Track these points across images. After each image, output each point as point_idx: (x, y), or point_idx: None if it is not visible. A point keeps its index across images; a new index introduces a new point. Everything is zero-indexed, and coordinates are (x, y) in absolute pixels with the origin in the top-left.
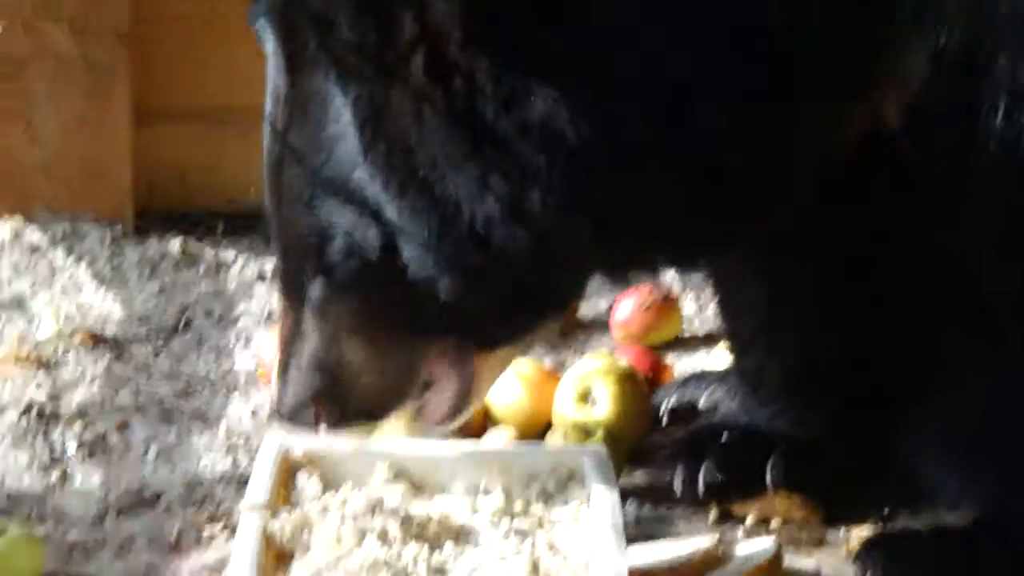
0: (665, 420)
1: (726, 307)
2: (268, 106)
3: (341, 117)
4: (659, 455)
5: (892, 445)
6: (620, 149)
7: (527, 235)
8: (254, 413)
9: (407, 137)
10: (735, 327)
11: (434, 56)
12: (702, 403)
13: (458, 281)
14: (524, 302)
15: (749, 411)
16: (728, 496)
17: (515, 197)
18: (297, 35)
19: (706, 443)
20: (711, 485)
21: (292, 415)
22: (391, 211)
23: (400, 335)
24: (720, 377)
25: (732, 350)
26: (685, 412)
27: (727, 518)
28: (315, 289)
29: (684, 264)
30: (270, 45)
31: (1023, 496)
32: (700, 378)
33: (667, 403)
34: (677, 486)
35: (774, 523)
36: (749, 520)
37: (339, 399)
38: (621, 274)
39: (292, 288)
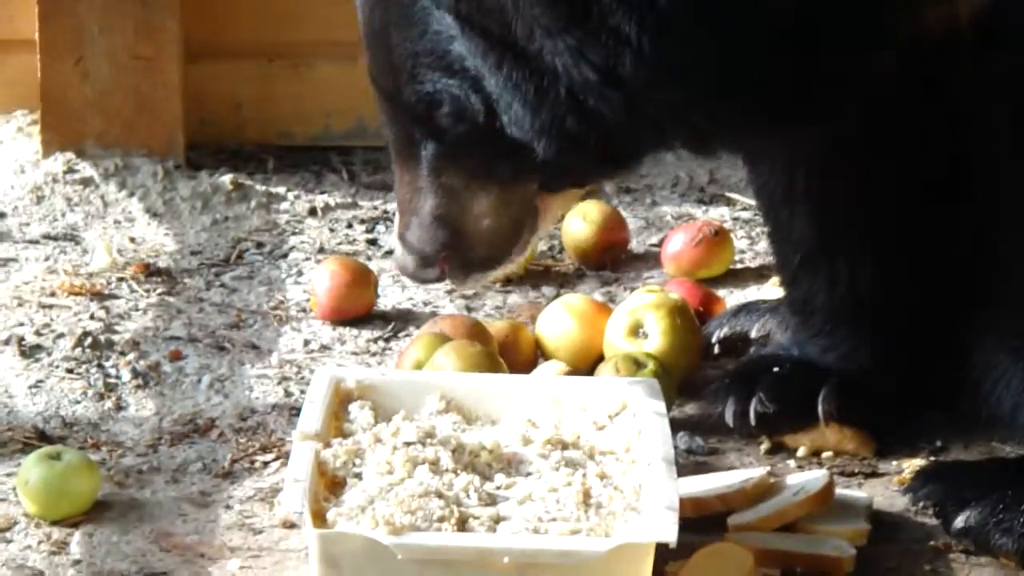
0: (716, 350)
1: (776, 235)
2: None
3: None
4: (710, 388)
5: (949, 373)
6: (708, 11)
7: (619, 98)
8: (306, 343)
9: (504, 11)
10: (785, 256)
11: None
12: (753, 333)
13: (555, 142)
14: (608, 158)
15: (799, 342)
16: (779, 428)
17: (609, 64)
18: None
19: (757, 375)
20: (762, 416)
21: (417, 271)
22: (491, 83)
23: (505, 184)
24: (771, 308)
25: (781, 280)
26: (737, 343)
27: (778, 450)
28: (427, 152)
29: (760, 141)
30: None
31: None
32: (751, 309)
33: (719, 333)
34: (729, 418)
35: (825, 455)
36: (800, 452)
37: (461, 249)
38: (701, 143)
39: (404, 152)
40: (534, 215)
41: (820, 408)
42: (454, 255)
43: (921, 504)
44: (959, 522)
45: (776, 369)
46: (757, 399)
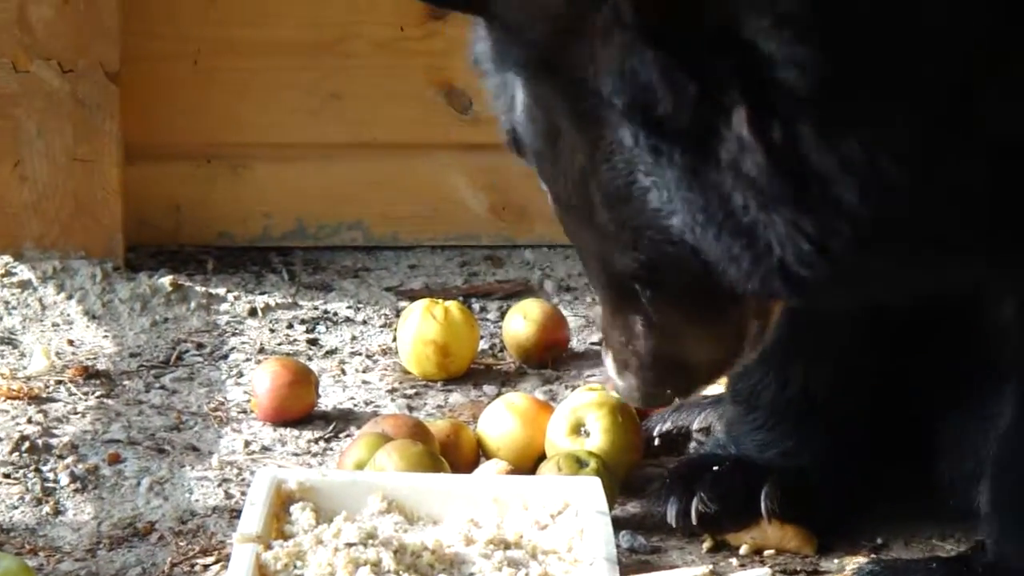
0: (657, 444)
1: None
2: (533, 142)
3: (652, 170)
4: (652, 487)
5: (889, 473)
6: (934, 184)
7: (829, 270)
8: (246, 445)
9: (723, 186)
10: None
11: (758, 110)
12: (695, 426)
13: (764, 299)
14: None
15: (739, 437)
16: (722, 527)
17: (823, 236)
18: (582, 93)
19: (698, 474)
20: (704, 516)
21: (646, 402)
22: (710, 254)
23: (722, 313)
24: (712, 402)
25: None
26: (678, 438)
27: (721, 548)
28: (644, 298)
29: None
30: (522, 92)
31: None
32: (692, 404)
33: (660, 428)
34: (671, 517)
35: (767, 552)
36: (743, 550)
37: (684, 375)
38: (902, 297)
39: (617, 300)
40: (758, 328)
41: (763, 506)
42: (679, 382)
43: None
44: None
45: (716, 467)
46: (698, 498)
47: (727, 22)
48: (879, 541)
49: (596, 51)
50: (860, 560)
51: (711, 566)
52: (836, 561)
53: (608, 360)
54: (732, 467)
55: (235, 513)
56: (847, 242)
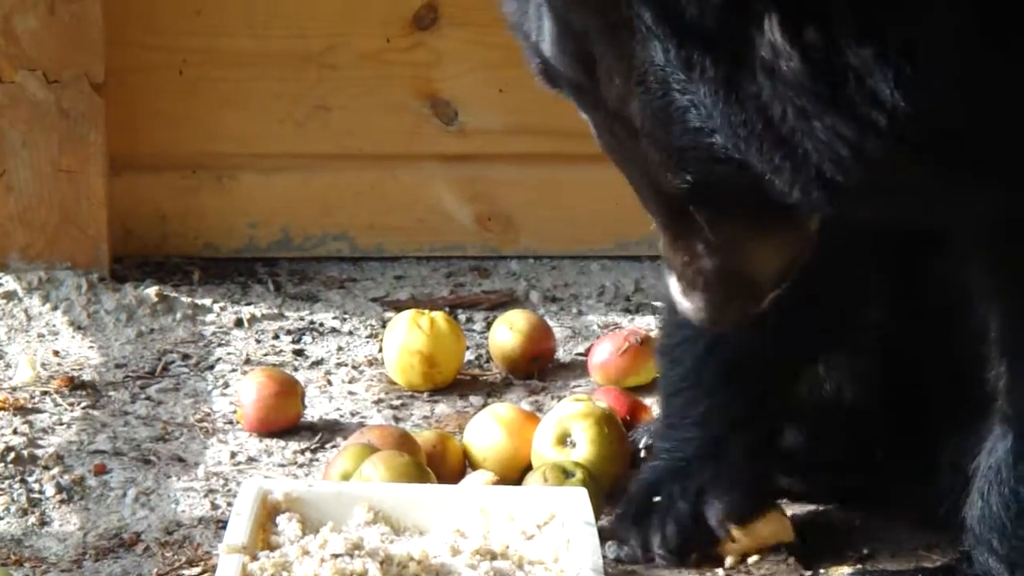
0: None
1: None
2: (568, 72)
3: (687, 87)
4: (615, 526)
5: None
6: (965, 88)
7: (864, 173)
8: (232, 455)
9: (760, 95)
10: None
11: (789, 11)
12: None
13: (809, 208)
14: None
15: (676, 452)
16: (695, 549)
17: (860, 138)
18: (613, 11)
19: (647, 511)
20: (671, 552)
21: (718, 322)
22: (756, 166)
23: (777, 221)
24: None
25: (665, 392)
26: None
27: (707, 558)
28: (701, 217)
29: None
30: (550, 21)
31: (1005, 543)
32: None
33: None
34: (638, 557)
35: (752, 560)
36: (728, 561)
37: (751, 288)
38: (925, 216)
39: (674, 224)
40: (813, 233)
41: (713, 526)
42: (746, 295)
43: None
44: None
45: (657, 499)
46: (657, 539)
47: None
48: (865, 552)
49: None
50: (845, 570)
51: None
52: (822, 571)
53: (672, 283)
54: (678, 493)
55: (221, 524)
56: (882, 141)
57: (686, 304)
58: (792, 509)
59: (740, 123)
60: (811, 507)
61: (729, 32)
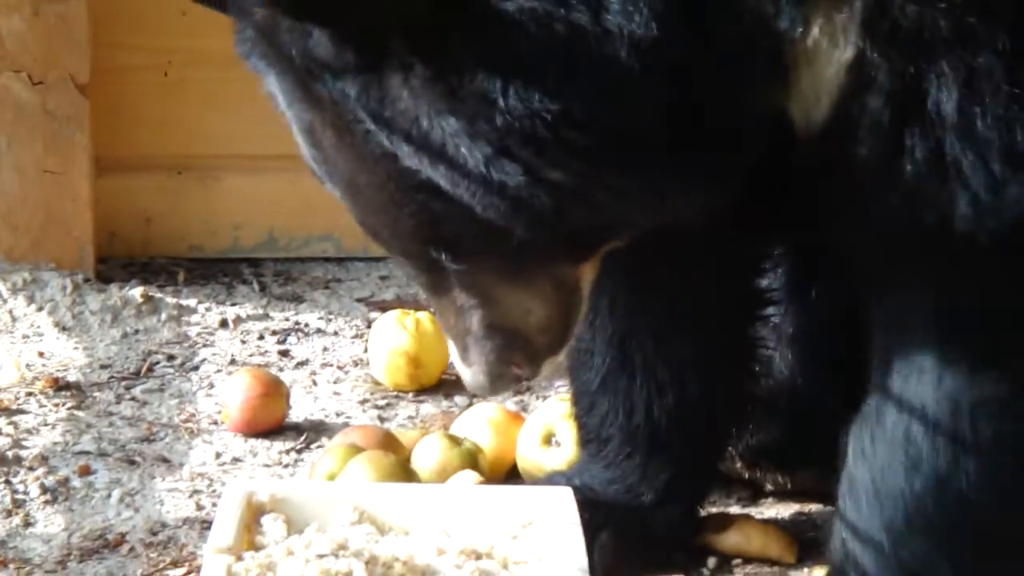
0: None
1: (575, 359)
2: (302, 144)
3: (362, 120)
4: None
5: None
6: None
7: (517, 170)
8: (218, 456)
9: (409, 111)
10: (581, 382)
11: (410, 34)
12: None
13: (531, 228)
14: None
15: (586, 476)
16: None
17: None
18: (285, 62)
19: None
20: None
21: (492, 385)
22: (461, 197)
23: (536, 270)
24: None
25: (576, 409)
26: None
27: (692, 558)
28: (452, 269)
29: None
30: (271, 80)
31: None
32: None
33: None
34: None
35: (736, 562)
36: (711, 562)
37: (525, 348)
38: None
39: (432, 281)
40: (576, 287)
41: (595, 560)
42: (520, 355)
43: None
44: None
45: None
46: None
47: None
48: None
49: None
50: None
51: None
52: (805, 570)
53: (452, 351)
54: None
55: (206, 524)
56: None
57: (462, 369)
58: (776, 508)
59: (435, 154)
60: (795, 506)
61: (367, 60)
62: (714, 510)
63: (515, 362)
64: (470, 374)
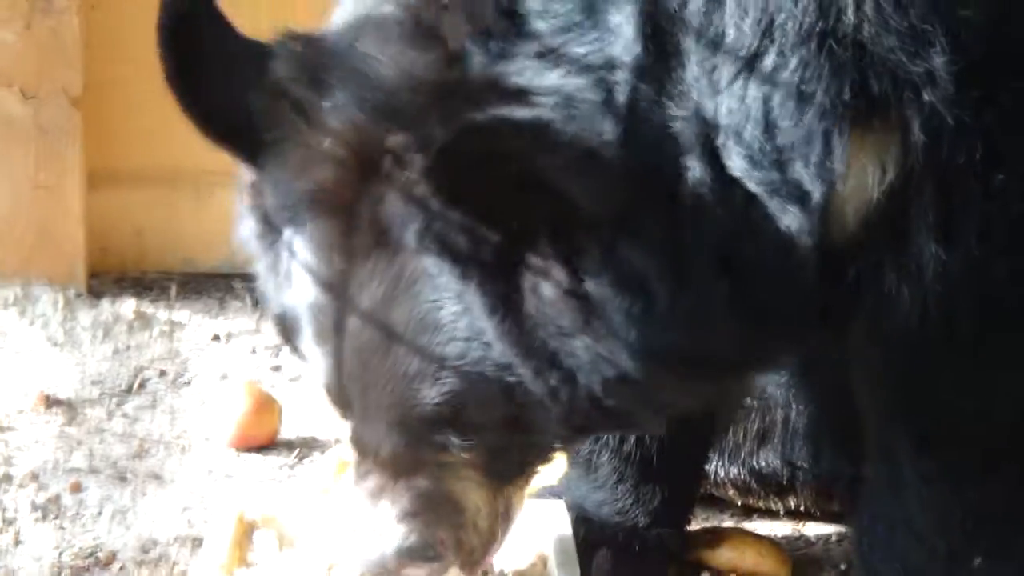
0: None
1: None
2: (312, 298)
3: (462, 297)
4: None
5: None
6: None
7: (628, 392)
8: (210, 472)
9: (533, 314)
10: None
11: (559, 240)
12: None
13: (571, 433)
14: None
15: (578, 498)
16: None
17: (615, 360)
18: (377, 228)
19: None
20: None
21: (412, 555)
22: (529, 385)
23: (504, 477)
24: None
25: None
26: None
27: (686, 573)
28: (440, 455)
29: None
30: (300, 246)
31: None
32: None
33: None
34: None
35: None
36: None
37: (453, 535)
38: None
39: (402, 458)
40: (516, 503)
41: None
42: (447, 541)
43: None
44: None
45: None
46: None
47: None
48: (843, 567)
49: (388, 193)
50: None
51: None
52: None
53: (376, 518)
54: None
55: (198, 541)
56: (636, 363)
57: (392, 533)
58: (770, 525)
59: (516, 340)
60: (789, 524)
61: (503, 256)
62: (707, 525)
63: (443, 540)
64: (397, 537)
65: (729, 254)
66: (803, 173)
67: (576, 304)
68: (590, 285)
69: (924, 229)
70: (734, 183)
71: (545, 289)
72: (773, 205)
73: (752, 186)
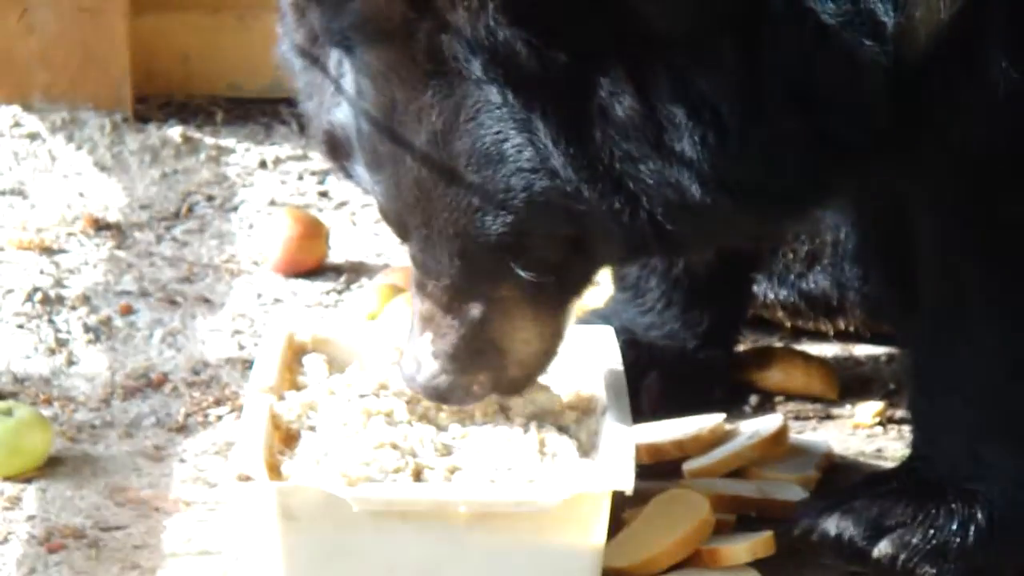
0: None
1: None
2: (363, 124)
3: (526, 126)
4: None
5: None
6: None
7: (691, 221)
8: (258, 296)
9: (599, 138)
10: None
11: (630, 62)
12: None
13: (627, 254)
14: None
15: (626, 322)
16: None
17: (682, 187)
18: (436, 58)
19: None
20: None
21: (452, 389)
22: (592, 209)
23: (552, 300)
24: None
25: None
26: None
27: (735, 395)
28: (498, 280)
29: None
30: (349, 70)
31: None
32: None
33: None
34: None
35: (778, 399)
36: (753, 399)
37: (496, 371)
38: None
39: (458, 283)
40: (563, 330)
41: (643, 404)
42: (487, 377)
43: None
44: (881, 549)
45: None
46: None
47: None
48: (891, 387)
49: (449, 20)
50: (873, 404)
51: (724, 414)
52: (848, 407)
53: (417, 345)
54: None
55: (248, 364)
56: (703, 189)
57: (424, 369)
58: (819, 347)
59: (582, 165)
60: (837, 344)
61: (571, 79)
62: (756, 346)
63: (479, 381)
64: (429, 376)
65: (802, 85)
66: (876, 4)
67: (646, 129)
68: (661, 110)
69: (995, 45)
70: (808, 14)
71: (614, 113)
72: (847, 35)
73: (826, 18)
